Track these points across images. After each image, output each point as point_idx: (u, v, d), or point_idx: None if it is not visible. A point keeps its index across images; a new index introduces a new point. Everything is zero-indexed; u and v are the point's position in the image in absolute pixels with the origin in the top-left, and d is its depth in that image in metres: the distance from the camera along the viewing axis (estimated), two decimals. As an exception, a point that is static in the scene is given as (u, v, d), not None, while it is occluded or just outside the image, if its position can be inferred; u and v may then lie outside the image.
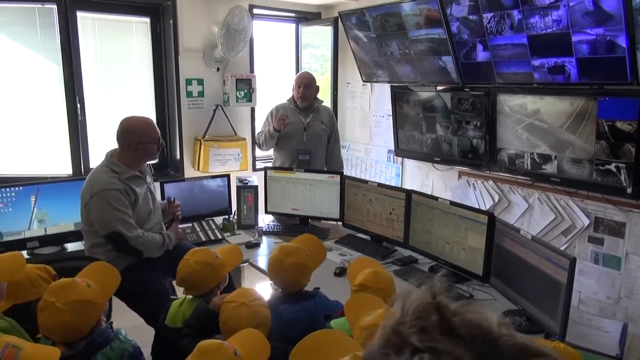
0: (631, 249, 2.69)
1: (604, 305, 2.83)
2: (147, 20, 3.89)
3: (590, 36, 2.43)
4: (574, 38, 2.49)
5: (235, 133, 4.22)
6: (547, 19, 2.55)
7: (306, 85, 3.55)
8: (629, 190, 2.53)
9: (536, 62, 2.72)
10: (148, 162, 2.60)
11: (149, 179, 2.55)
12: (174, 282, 2.59)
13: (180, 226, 2.76)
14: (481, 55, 2.98)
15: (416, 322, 0.48)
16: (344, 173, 3.30)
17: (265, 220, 3.34)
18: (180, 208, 2.77)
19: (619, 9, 2.26)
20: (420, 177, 3.94)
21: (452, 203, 2.47)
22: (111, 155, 2.45)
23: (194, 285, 1.90)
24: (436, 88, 3.48)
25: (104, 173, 2.36)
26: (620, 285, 2.75)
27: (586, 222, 2.85)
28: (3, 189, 2.58)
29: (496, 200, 3.33)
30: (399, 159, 4.09)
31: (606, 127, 2.56)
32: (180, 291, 2.56)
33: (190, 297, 1.94)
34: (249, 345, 1.44)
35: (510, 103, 3.01)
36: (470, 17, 2.90)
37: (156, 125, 2.57)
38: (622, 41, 2.32)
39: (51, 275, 1.84)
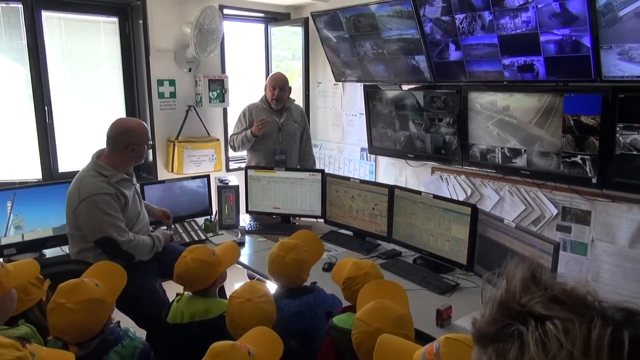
0: (596, 235, 2.87)
1: (572, 289, 3.01)
2: (116, 20, 3.81)
3: (557, 36, 2.59)
4: (542, 38, 2.64)
5: (209, 134, 4.20)
6: (517, 20, 2.70)
7: (281, 87, 3.57)
8: (594, 180, 2.71)
9: (506, 61, 2.87)
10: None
11: (134, 180, 2.52)
12: (163, 284, 2.59)
13: (162, 227, 2.75)
14: (454, 54, 3.11)
15: (534, 294, 0.53)
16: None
17: (245, 220, 3.35)
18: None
19: (583, 10, 2.42)
20: (393, 173, 4.05)
21: (436, 196, 2.58)
22: (97, 157, 2.40)
23: (191, 282, 1.91)
24: (408, 87, 3.59)
25: (92, 177, 2.31)
26: (587, 270, 2.94)
27: (554, 211, 3.03)
28: (-23, 195, 2.48)
29: (469, 193, 3.48)
30: (372, 156, 4.18)
31: (572, 122, 2.73)
32: (169, 291, 2.56)
33: (188, 294, 1.95)
34: (262, 344, 1.46)
35: (481, 100, 3.15)
36: (443, 18, 3.01)
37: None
38: (586, 41, 2.48)
39: (40, 280, 1.81)
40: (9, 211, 2.56)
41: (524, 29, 2.69)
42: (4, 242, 2.55)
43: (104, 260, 1.93)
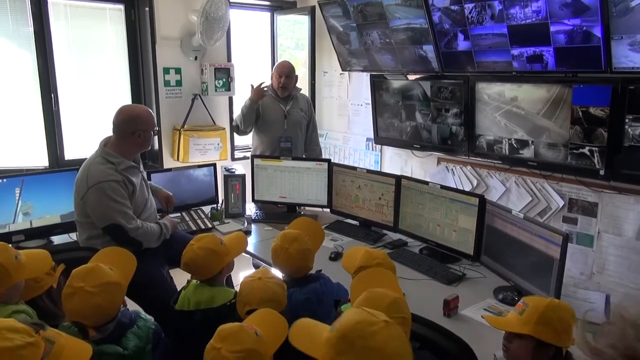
0: (603, 227, 2.87)
1: (577, 281, 3.02)
2: (122, 7, 3.79)
3: (567, 26, 2.57)
4: (552, 28, 2.62)
5: (214, 122, 4.19)
6: (527, 10, 2.67)
7: (287, 75, 3.57)
8: (602, 172, 2.70)
9: (515, 51, 2.85)
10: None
11: (141, 167, 2.52)
12: (171, 271, 2.60)
13: (171, 215, 2.76)
14: (462, 44, 3.09)
15: None
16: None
17: (251, 209, 3.35)
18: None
19: (595, 0, 2.40)
20: (399, 164, 4.05)
21: (443, 187, 2.58)
22: (105, 144, 2.40)
23: (197, 270, 1.92)
24: (415, 77, 3.58)
25: (100, 164, 2.31)
26: (593, 261, 2.94)
27: (561, 203, 3.02)
28: (-14, 182, 2.49)
29: (474, 184, 3.47)
30: (378, 146, 4.18)
31: (580, 113, 2.71)
32: (176, 278, 2.58)
33: (195, 281, 1.96)
34: (268, 325, 1.48)
35: (489, 91, 3.14)
36: (452, 7, 2.99)
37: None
38: (597, 31, 2.46)
39: (51, 266, 1.81)
40: (17, 198, 2.57)
41: (534, 19, 2.67)
42: (13, 228, 2.57)
43: (112, 247, 1.94)
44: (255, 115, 3.54)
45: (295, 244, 1.97)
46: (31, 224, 2.63)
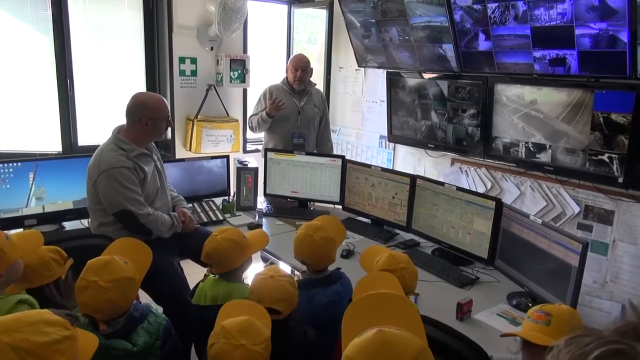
0: (619, 236, 2.83)
1: (590, 289, 2.98)
2: (139, -6, 3.77)
3: (593, 30, 2.51)
4: (577, 31, 2.57)
5: (228, 114, 4.18)
6: (552, 12, 2.62)
7: (303, 68, 3.55)
8: (620, 180, 2.65)
9: (537, 54, 2.80)
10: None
11: (155, 156, 2.51)
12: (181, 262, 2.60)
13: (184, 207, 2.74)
14: (483, 44, 3.04)
15: None
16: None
17: (262, 202, 3.34)
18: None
19: (623, 5, 2.34)
20: (412, 163, 4.01)
21: (459, 188, 2.55)
22: (118, 131, 2.39)
23: (219, 261, 1.90)
24: (431, 75, 3.53)
25: (111, 150, 2.31)
26: (607, 270, 2.90)
27: (576, 209, 2.98)
28: (1, 165, 2.48)
29: (488, 187, 3.43)
30: (391, 144, 4.14)
31: (601, 119, 2.66)
32: (187, 270, 2.57)
33: (214, 276, 1.94)
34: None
35: (508, 93, 3.09)
36: (475, 6, 2.94)
37: (166, 103, 2.53)
38: (624, 36, 2.41)
39: (63, 257, 1.80)
40: (31, 182, 2.57)
41: (558, 21, 2.62)
42: (25, 212, 2.57)
43: (128, 237, 1.92)
44: None
45: (320, 232, 1.99)
46: (44, 208, 2.63)
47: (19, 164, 2.54)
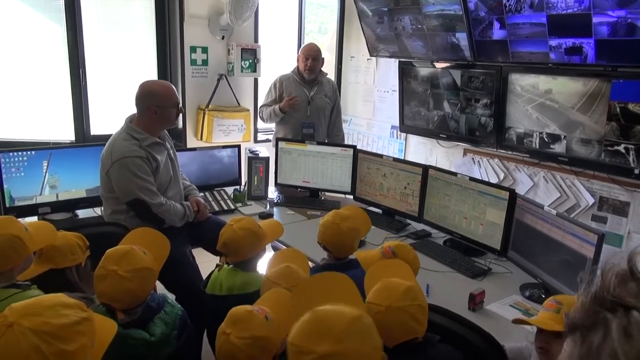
0: (634, 228, 2.79)
1: (603, 281, 2.95)
2: (151, -17, 3.76)
3: (611, 18, 2.46)
4: (595, 19, 2.52)
5: (239, 104, 4.17)
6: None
7: (314, 57, 3.53)
8: (636, 171, 2.61)
9: (553, 42, 2.75)
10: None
11: (168, 144, 2.51)
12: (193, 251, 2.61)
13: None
14: (497, 33, 3.00)
15: (628, 287, 0.54)
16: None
17: (273, 192, 3.34)
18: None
19: (643, -9, 2.30)
20: (424, 153, 3.99)
21: (472, 179, 2.52)
22: (130, 120, 2.40)
23: (236, 250, 1.90)
24: (444, 65, 3.49)
25: (124, 140, 2.32)
26: (620, 262, 2.86)
27: (591, 201, 2.94)
28: (15, 153, 2.51)
29: (501, 177, 3.40)
30: (403, 134, 4.11)
31: (618, 109, 2.62)
32: (198, 259, 2.58)
33: (228, 266, 1.95)
34: (279, 307, 1.46)
35: (522, 82, 3.05)
36: (490, -6, 2.90)
37: (176, 91, 2.52)
38: (643, 24, 2.36)
39: (85, 244, 1.82)
40: (44, 170, 2.59)
41: (575, 9, 2.57)
42: (40, 200, 2.59)
43: (146, 227, 1.93)
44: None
45: (348, 222, 2.02)
46: (57, 197, 2.65)
47: (33, 152, 2.56)
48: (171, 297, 2.05)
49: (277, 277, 1.65)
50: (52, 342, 0.95)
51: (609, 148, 2.70)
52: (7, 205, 2.49)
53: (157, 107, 2.37)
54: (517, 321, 1.59)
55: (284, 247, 2.73)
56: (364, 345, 0.95)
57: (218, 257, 2.05)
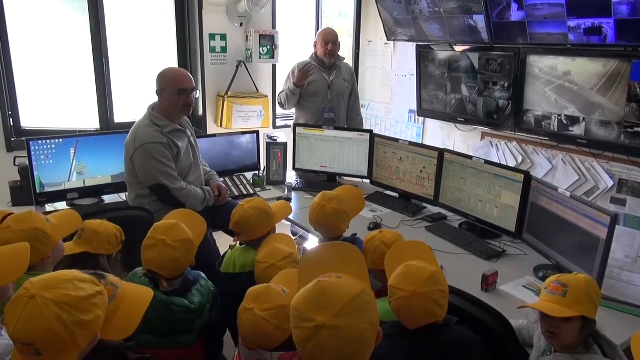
0: (654, 210, 2.77)
1: (621, 264, 2.92)
2: (170, -28, 3.82)
3: (631, -3, 2.42)
4: (615, -2, 2.48)
5: (257, 90, 4.22)
6: (588, -21, 2.53)
7: (333, 41, 3.55)
8: (657, 153, 2.58)
9: (572, 23, 2.72)
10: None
11: (189, 132, 2.59)
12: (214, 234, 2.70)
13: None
14: (515, 14, 2.97)
15: None
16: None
17: (291, 177, 3.40)
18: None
19: (665, -31, 2.25)
20: (441, 137, 3.98)
21: (487, 162, 2.53)
22: (152, 108, 2.48)
23: (248, 229, 1.97)
24: (462, 48, 3.47)
25: (147, 127, 2.40)
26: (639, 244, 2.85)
27: (610, 183, 2.92)
28: (44, 141, 2.62)
29: (519, 161, 3.39)
30: (420, 118, 4.11)
31: (638, 90, 2.58)
32: (219, 242, 2.67)
33: (240, 245, 2.03)
34: (292, 285, 1.52)
35: (541, 64, 3.02)
36: (507, -25, 2.87)
37: (188, 77, 2.54)
38: (664, 3, 2.32)
39: (122, 238, 1.89)
40: (72, 158, 2.70)
41: (595, -11, 2.53)
42: (68, 186, 2.70)
43: (184, 209, 2.07)
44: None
45: (332, 203, 2.04)
46: (84, 183, 2.76)
47: (61, 140, 2.66)
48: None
49: (263, 257, 1.75)
50: (72, 312, 1.04)
51: (628, 130, 2.67)
52: (38, 191, 2.61)
53: (161, 90, 2.45)
54: (523, 308, 1.59)
55: (303, 230, 2.80)
56: (361, 321, 0.98)
57: (233, 239, 2.13)
